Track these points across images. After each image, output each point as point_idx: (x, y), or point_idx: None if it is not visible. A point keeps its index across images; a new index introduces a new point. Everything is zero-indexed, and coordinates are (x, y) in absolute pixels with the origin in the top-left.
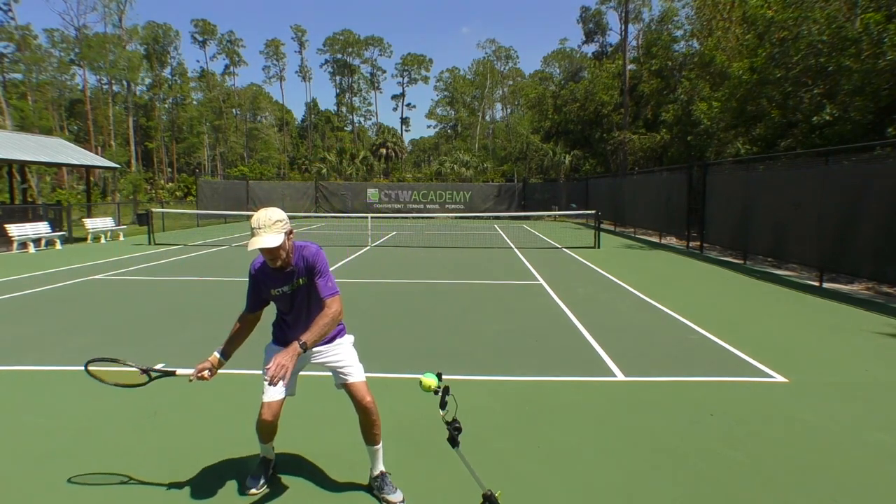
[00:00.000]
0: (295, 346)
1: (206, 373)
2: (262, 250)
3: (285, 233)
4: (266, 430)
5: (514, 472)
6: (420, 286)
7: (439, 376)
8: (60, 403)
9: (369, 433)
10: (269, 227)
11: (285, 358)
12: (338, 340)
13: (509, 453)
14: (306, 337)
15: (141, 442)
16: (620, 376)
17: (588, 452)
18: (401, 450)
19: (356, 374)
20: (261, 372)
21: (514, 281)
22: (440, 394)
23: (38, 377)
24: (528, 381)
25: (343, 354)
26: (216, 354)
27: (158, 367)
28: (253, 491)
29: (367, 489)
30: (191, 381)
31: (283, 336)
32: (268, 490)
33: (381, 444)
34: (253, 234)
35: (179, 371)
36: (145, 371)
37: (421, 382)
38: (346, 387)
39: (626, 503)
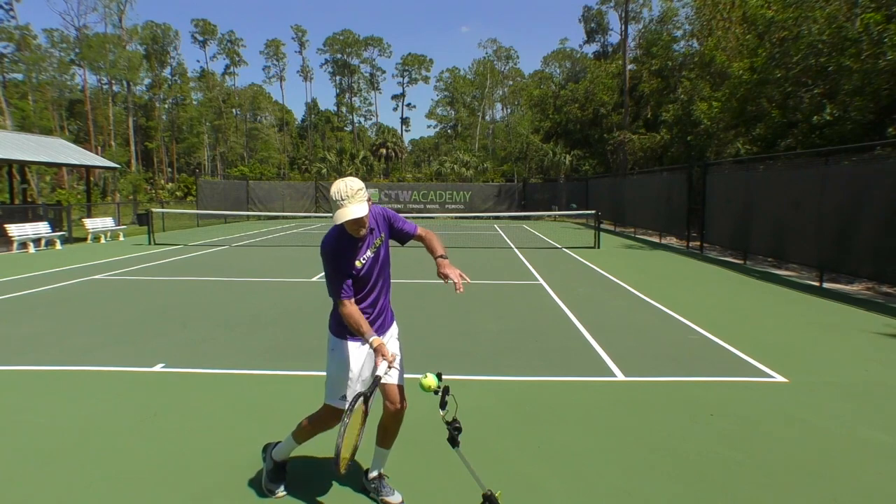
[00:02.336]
0: (443, 261)
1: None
2: (349, 221)
3: (367, 200)
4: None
5: (514, 472)
6: (420, 286)
7: (439, 376)
8: (60, 403)
9: (389, 437)
10: (353, 197)
11: (454, 270)
12: (394, 325)
13: (509, 453)
14: (441, 251)
15: (141, 442)
16: (620, 376)
17: (588, 452)
18: (401, 450)
19: (401, 374)
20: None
21: (514, 281)
22: (440, 394)
23: (38, 377)
24: (528, 381)
25: (398, 345)
26: (377, 337)
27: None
28: (280, 493)
29: (363, 491)
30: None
31: (368, 319)
32: (261, 492)
33: (391, 450)
34: (337, 207)
35: (379, 372)
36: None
37: (421, 383)
38: (385, 386)
39: (626, 503)
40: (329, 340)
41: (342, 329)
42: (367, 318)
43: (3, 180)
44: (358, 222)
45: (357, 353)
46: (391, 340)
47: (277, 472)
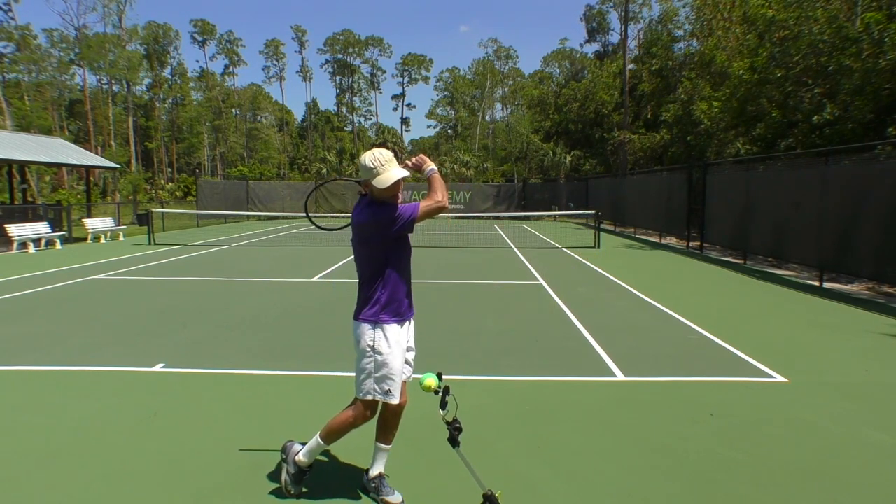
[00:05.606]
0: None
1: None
2: (388, 187)
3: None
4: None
5: (514, 472)
6: (420, 286)
7: (439, 376)
8: (60, 403)
9: (389, 433)
10: (390, 163)
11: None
12: (412, 321)
13: (509, 453)
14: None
15: (141, 442)
16: (620, 376)
17: (588, 452)
18: (401, 450)
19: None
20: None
21: (514, 281)
22: (440, 394)
23: (38, 377)
24: (528, 381)
25: (413, 340)
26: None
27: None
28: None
29: (363, 491)
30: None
31: (404, 299)
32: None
33: (391, 446)
34: (377, 173)
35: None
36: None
37: (421, 382)
38: None
39: (626, 503)
40: (363, 335)
41: (382, 313)
42: (405, 297)
43: (3, 180)
44: (397, 185)
45: (402, 338)
46: (412, 333)
47: (301, 474)
